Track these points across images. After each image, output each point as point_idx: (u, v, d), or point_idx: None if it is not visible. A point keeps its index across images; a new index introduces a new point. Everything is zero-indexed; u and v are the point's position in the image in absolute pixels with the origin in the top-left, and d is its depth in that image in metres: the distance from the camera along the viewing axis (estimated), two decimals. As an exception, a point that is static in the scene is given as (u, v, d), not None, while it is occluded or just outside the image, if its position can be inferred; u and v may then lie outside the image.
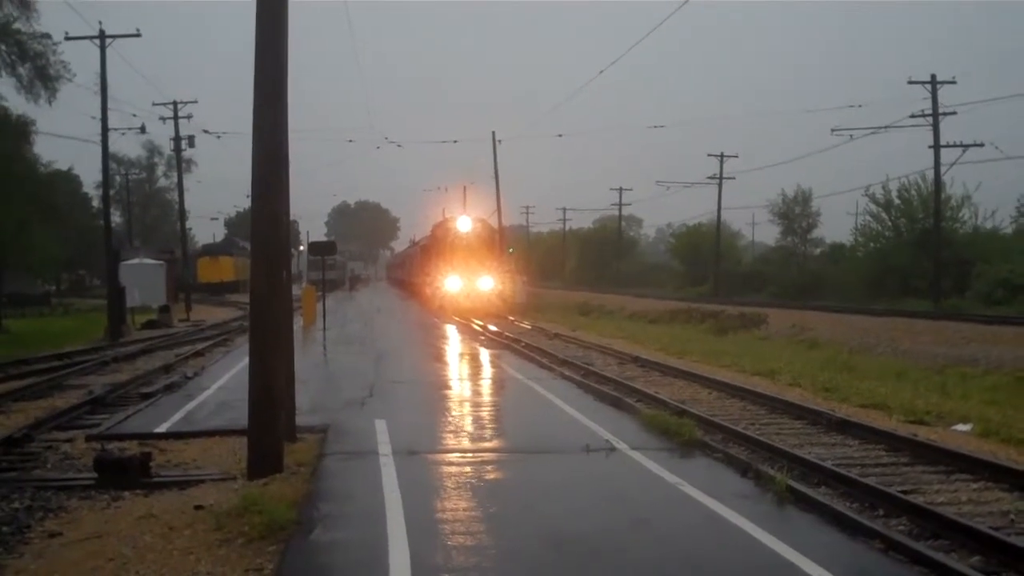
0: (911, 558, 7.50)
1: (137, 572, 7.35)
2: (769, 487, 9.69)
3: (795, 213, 75.45)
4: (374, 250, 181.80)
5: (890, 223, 58.29)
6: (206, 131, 57.74)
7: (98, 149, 39.61)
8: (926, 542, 8.26)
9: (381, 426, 13.49)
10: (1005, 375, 20.44)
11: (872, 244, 60.63)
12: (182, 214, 63.95)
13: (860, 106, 75.17)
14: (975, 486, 10.58)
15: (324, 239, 52.21)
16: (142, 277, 52.65)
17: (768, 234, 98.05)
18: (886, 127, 50.44)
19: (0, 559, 7.96)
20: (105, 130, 39.43)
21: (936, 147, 47.76)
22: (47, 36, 39.79)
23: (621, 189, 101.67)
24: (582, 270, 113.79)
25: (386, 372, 20.64)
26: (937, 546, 8.17)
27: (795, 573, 7.19)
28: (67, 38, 39.82)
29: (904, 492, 9.99)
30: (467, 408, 15.74)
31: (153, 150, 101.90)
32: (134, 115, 79.57)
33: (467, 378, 20.59)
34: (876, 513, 9.39)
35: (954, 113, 47.88)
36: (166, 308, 46.39)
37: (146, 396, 17.36)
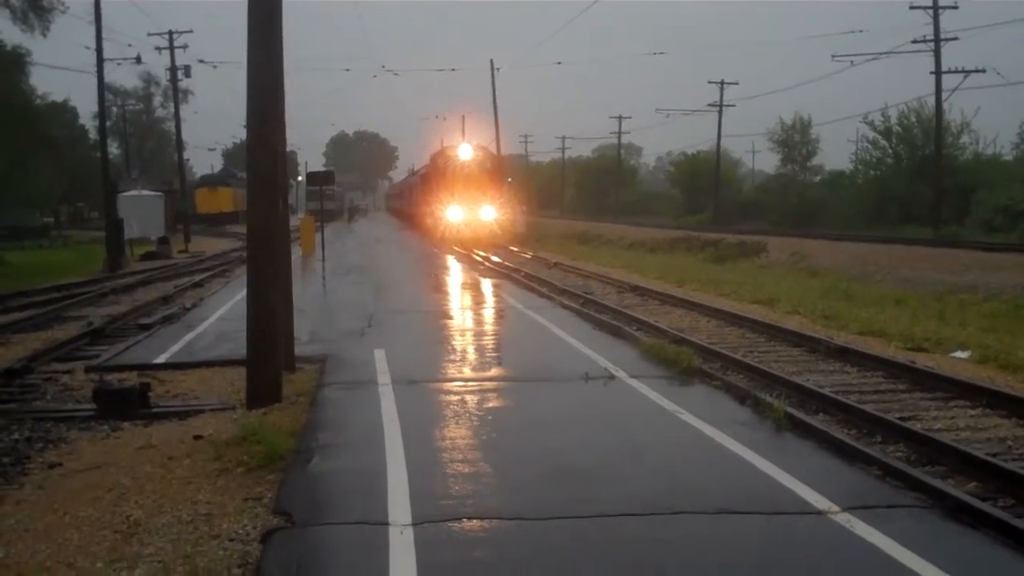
0: (908, 484, 7.51)
1: (136, 502, 7.38)
2: (767, 414, 9.71)
3: (795, 141, 75.18)
4: (372, 180, 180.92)
5: (890, 150, 58.02)
6: (202, 61, 57.22)
7: (94, 80, 39.17)
8: (923, 468, 8.28)
9: (380, 355, 13.50)
10: (1004, 302, 20.43)
11: (872, 172, 60.41)
12: (179, 145, 63.46)
13: (861, 31, 74.45)
14: (973, 412, 10.59)
15: (322, 169, 52.01)
16: (140, 209, 52.47)
17: (768, 162, 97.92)
18: (887, 53, 49.99)
19: (0, 489, 7.99)
20: (100, 60, 38.91)
21: (937, 73, 47.26)
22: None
23: (620, 117, 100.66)
24: (581, 199, 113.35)
25: (385, 302, 20.63)
26: (934, 472, 8.19)
27: (793, 499, 7.22)
28: (60, -35, 39.26)
29: (902, 419, 10.00)
30: (467, 337, 15.75)
31: (150, 81, 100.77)
32: (129, 45, 79.07)
33: (467, 308, 20.58)
34: (874, 440, 9.40)
35: (956, 39, 47.40)
36: (164, 240, 46.34)
37: (145, 327, 17.38)
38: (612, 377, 12.01)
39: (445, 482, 7.68)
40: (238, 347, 12.12)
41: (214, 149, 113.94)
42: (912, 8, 47.76)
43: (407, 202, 75.05)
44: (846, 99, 78.90)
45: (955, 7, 47.71)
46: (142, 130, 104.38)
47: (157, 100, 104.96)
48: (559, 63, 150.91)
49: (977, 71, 46.91)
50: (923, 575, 5.85)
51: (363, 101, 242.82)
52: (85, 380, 12.53)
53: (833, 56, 51.20)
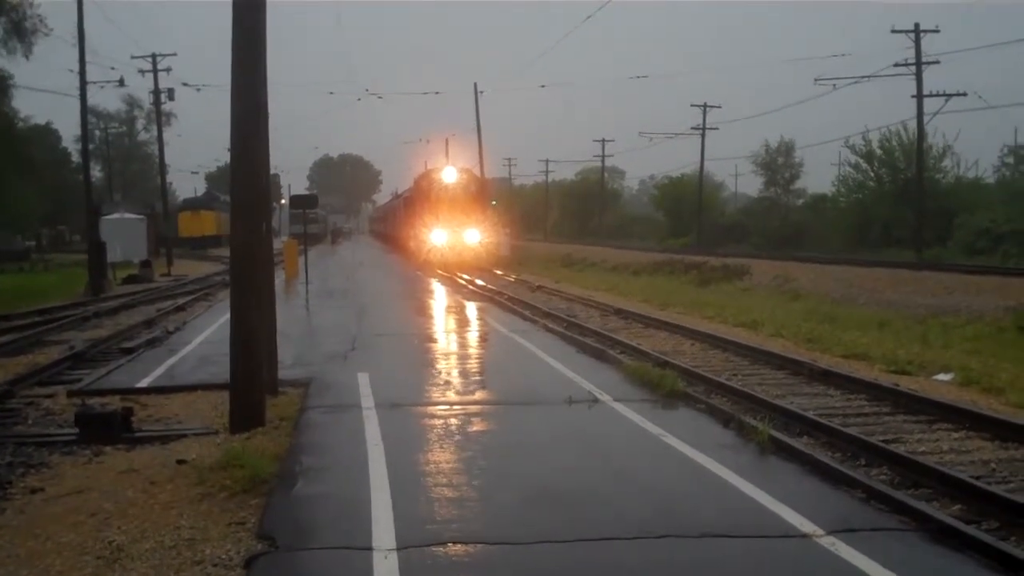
0: (892, 507, 7.53)
1: (119, 527, 7.33)
2: (751, 437, 9.72)
3: (778, 164, 75.39)
4: (356, 203, 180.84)
5: (872, 173, 58.31)
6: (186, 84, 57.07)
7: (77, 103, 38.97)
8: (907, 491, 8.29)
9: (364, 379, 13.47)
10: (986, 324, 20.55)
11: (854, 195, 60.66)
12: (162, 168, 63.30)
13: (844, 55, 74.95)
14: (956, 435, 10.62)
15: (305, 192, 51.96)
16: (123, 232, 52.05)
17: (751, 185, 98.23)
18: (869, 76, 50.22)
19: (-19, 515, 7.92)
20: (83, 83, 38.67)
21: (919, 96, 47.50)
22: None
23: (604, 140, 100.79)
24: (565, 222, 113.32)
25: (369, 325, 20.61)
26: (918, 495, 8.20)
27: (777, 522, 7.22)
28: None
29: (886, 441, 10.02)
30: (450, 361, 15.73)
31: (133, 104, 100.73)
32: (112, 68, 78.56)
33: (450, 331, 20.56)
34: (858, 463, 9.41)
35: (937, 62, 47.65)
36: (147, 263, 46.09)
37: (128, 351, 17.28)
38: (596, 400, 12.01)
39: (429, 506, 7.65)
40: (221, 371, 12.07)
41: (197, 172, 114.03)
42: (894, 32, 48.12)
43: (391, 225, 74.84)
44: (829, 122, 79.39)
45: (936, 31, 48.04)
46: (125, 153, 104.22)
47: (140, 123, 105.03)
48: (543, 86, 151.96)
49: (958, 95, 47.14)
50: (908, 598, 5.86)
51: (347, 124, 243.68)
52: (67, 404, 12.43)
53: (816, 79, 51.41)
